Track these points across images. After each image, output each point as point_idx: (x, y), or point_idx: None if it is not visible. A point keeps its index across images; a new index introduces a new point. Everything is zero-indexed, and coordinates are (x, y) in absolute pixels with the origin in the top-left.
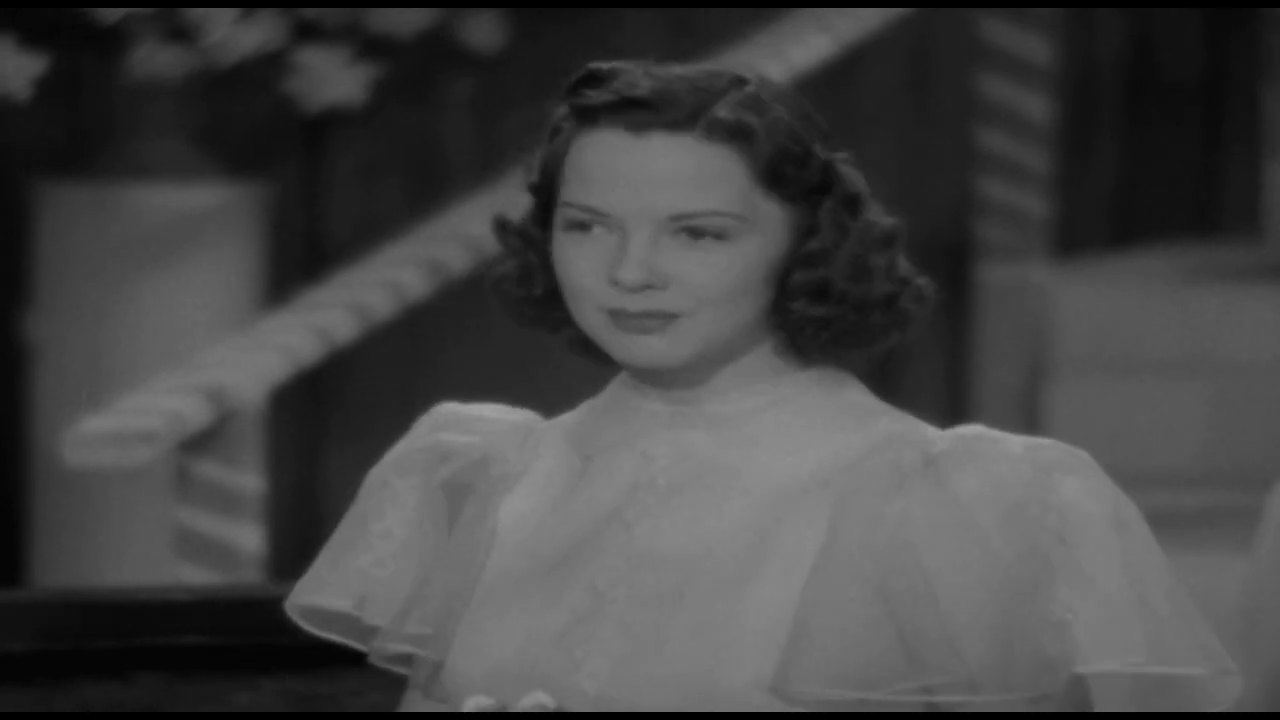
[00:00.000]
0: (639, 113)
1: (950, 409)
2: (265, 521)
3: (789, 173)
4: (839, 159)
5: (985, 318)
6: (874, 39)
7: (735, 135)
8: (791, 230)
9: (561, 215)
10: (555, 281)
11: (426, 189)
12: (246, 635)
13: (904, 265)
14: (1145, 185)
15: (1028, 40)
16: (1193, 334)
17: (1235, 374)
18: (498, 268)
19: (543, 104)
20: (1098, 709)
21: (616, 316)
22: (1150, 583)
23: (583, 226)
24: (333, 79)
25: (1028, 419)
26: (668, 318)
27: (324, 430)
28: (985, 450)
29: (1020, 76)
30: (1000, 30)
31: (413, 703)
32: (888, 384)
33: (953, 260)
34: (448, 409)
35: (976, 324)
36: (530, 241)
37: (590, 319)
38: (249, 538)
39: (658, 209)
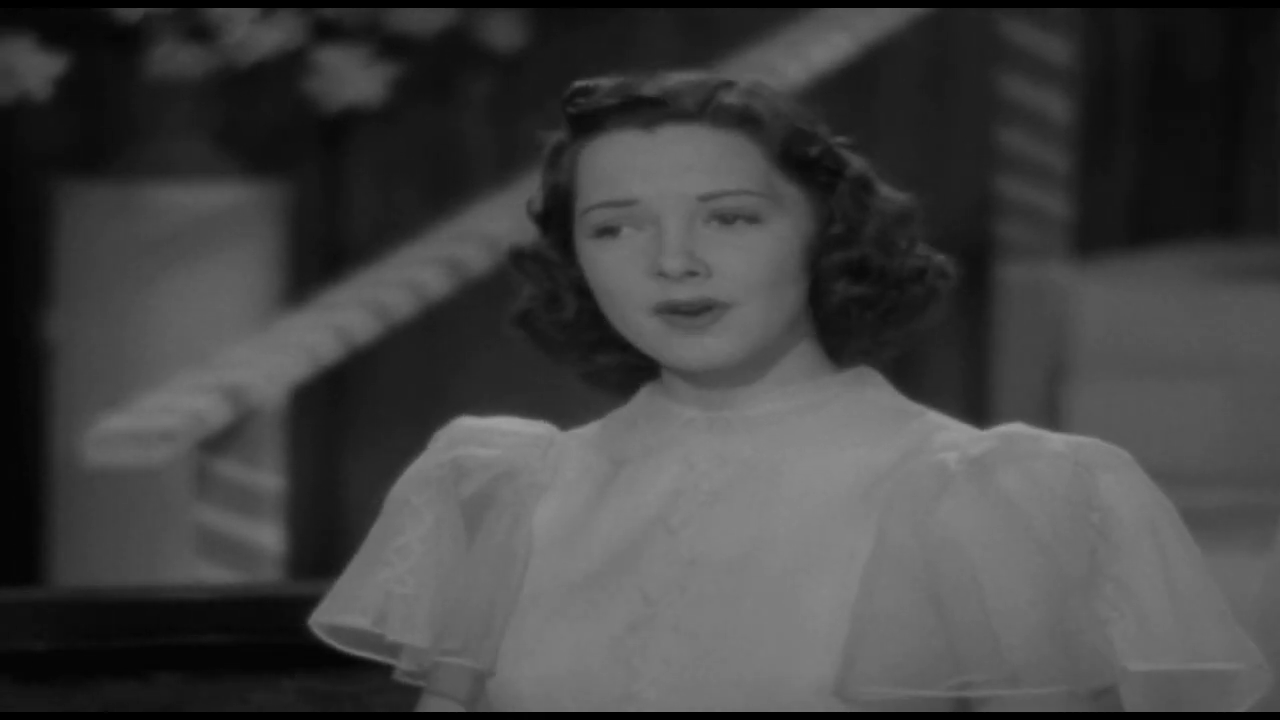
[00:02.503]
0: (647, 110)
1: (970, 408)
2: (285, 521)
3: (804, 152)
4: (839, 143)
5: (1005, 317)
6: (894, 39)
7: (744, 120)
8: (813, 215)
9: (586, 224)
10: (584, 302)
11: (446, 188)
12: (266, 634)
13: (921, 243)
14: (1165, 185)
15: (1048, 40)
16: (1212, 334)
17: (1254, 373)
18: (520, 303)
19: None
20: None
21: (667, 316)
22: (1186, 581)
23: (611, 231)
24: (352, 78)
25: (1047, 419)
26: (720, 308)
27: (344, 430)
28: (1028, 448)
29: (1040, 76)
30: (1020, 30)
31: (429, 707)
32: (908, 383)
33: (972, 260)
34: (465, 424)
35: (996, 323)
36: (550, 266)
37: (637, 323)
38: (268, 537)
39: (686, 192)
